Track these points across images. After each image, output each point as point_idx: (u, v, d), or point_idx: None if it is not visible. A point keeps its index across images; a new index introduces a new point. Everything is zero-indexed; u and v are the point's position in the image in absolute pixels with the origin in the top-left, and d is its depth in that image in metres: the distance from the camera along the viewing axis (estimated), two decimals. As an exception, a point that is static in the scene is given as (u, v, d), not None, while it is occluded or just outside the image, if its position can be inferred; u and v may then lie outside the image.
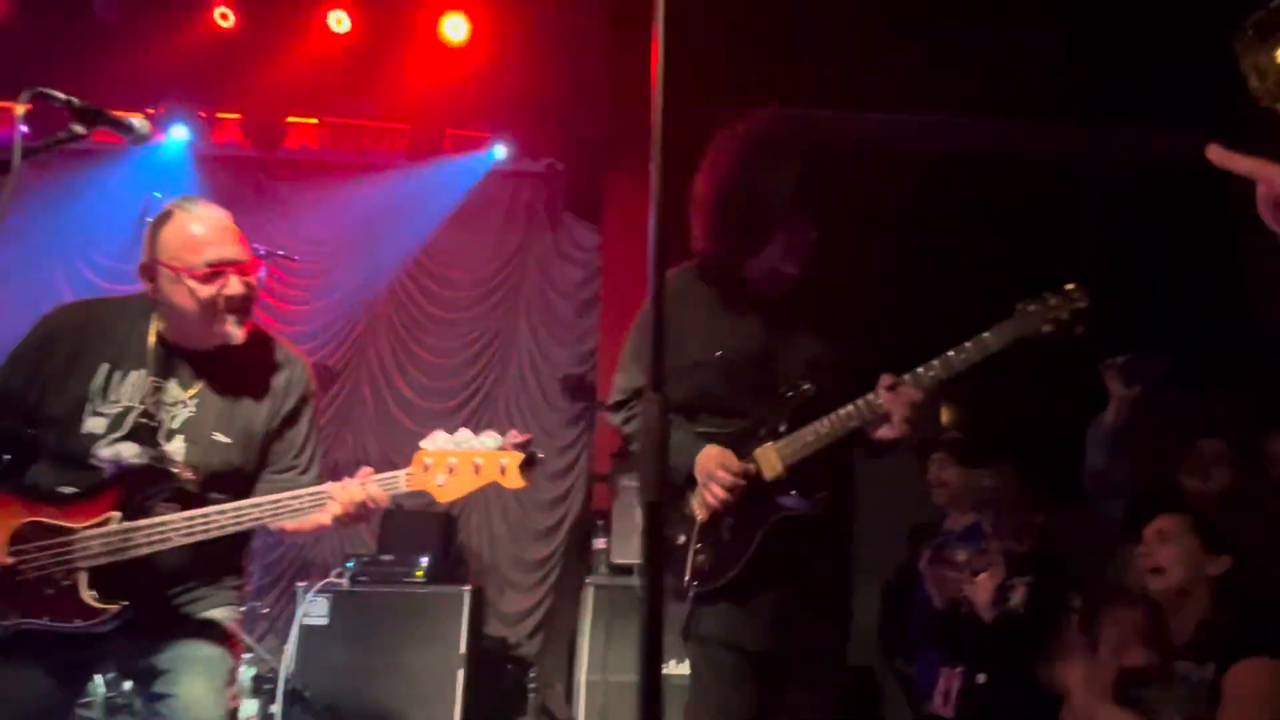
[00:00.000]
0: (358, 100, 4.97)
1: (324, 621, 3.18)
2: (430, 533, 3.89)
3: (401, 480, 1.79)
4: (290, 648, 3.11)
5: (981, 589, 2.46)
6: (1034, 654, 2.29)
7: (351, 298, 5.06)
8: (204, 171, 5.06)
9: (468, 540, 4.60)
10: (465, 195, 5.17)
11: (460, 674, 3.19)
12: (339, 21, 4.78)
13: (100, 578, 1.74)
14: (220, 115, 4.95)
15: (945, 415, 3.81)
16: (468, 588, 3.39)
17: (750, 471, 1.90)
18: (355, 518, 1.79)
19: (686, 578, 1.92)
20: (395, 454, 4.90)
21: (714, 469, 1.89)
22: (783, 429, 1.91)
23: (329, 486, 1.79)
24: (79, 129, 1.56)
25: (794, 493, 1.88)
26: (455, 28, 4.76)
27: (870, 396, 1.85)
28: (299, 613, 3.17)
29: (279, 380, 1.95)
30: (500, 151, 4.95)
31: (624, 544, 3.32)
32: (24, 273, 4.78)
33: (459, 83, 4.84)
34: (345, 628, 3.19)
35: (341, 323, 5.02)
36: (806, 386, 1.92)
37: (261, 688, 3.20)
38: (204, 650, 1.84)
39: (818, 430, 1.88)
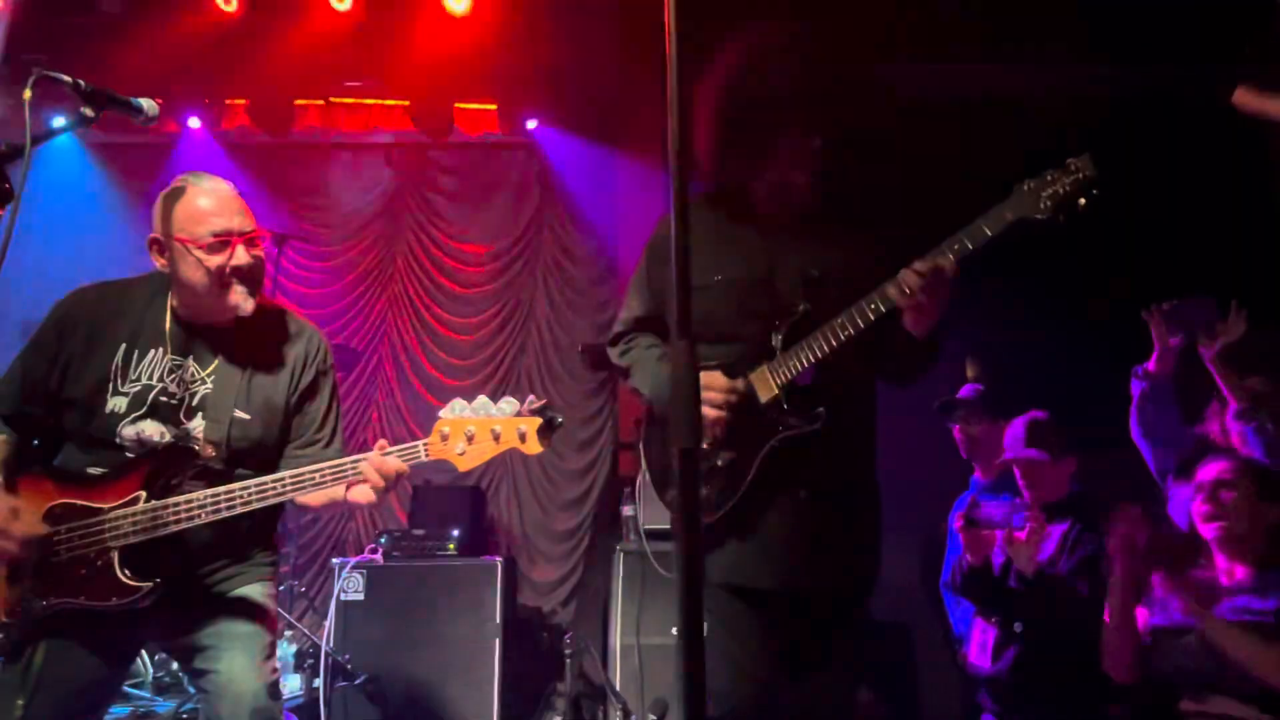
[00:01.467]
0: (364, 79, 4.95)
1: (360, 596, 3.22)
2: (460, 506, 3.92)
3: (421, 450, 1.80)
4: (329, 623, 3.16)
5: (1022, 550, 2.42)
6: (1070, 602, 2.27)
7: (369, 277, 5.07)
8: (215, 157, 5.08)
9: (498, 512, 4.63)
10: (477, 169, 5.16)
11: (497, 643, 3.23)
12: (340, 0, 4.74)
13: (133, 556, 1.78)
14: (229, 101, 4.96)
15: (970, 370, 3.77)
16: (499, 559, 3.42)
17: (741, 390, 1.82)
18: (387, 488, 1.80)
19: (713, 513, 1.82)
20: (422, 431, 4.87)
21: (707, 394, 1.80)
22: (777, 349, 1.83)
23: (348, 460, 1.80)
24: (88, 112, 1.56)
25: (792, 412, 1.79)
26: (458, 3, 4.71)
27: (873, 296, 1.76)
28: (336, 588, 3.22)
29: (295, 353, 1.97)
30: (511, 124, 4.91)
31: (652, 510, 3.32)
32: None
33: (465, 55, 4.79)
34: (381, 602, 3.24)
35: (361, 302, 5.04)
36: (802, 306, 1.83)
37: (304, 663, 3.26)
38: (241, 627, 1.88)
39: (814, 345, 1.80)
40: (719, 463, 1.84)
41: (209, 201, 1.84)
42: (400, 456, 1.80)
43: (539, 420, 1.75)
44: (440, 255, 5.13)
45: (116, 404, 1.86)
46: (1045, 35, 4.05)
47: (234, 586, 1.91)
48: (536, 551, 4.64)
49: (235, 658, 1.84)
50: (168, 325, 1.91)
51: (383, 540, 3.42)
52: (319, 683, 3.11)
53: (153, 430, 1.87)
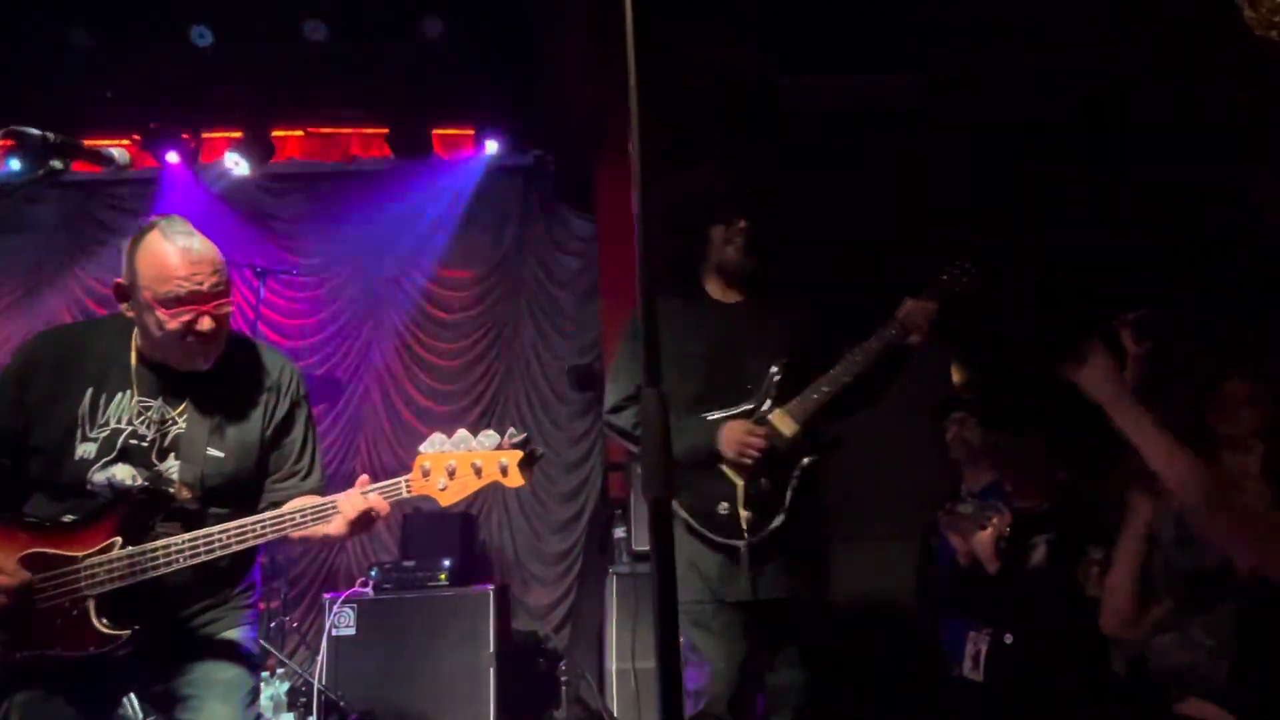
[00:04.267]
0: (340, 108, 4.96)
1: (352, 631, 3.20)
2: (451, 533, 3.90)
3: (403, 487, 1.78)
4: (321, 658, 3.13)
5: (984, 542, 2.48)
6: (1059, 612, 2.28)
7: (353, 305, 5.06)
8: (195, 191, 5.06)
9: (489, 538, 4.62)
10: (458, 194, 5.17)
11: (492, 672, 3.21)
12: (314, 30, 4.75)
13: (109, 603, 1.74)
14: (205, 135, 4.96)
15: (956, 374, 3.79)
16: (491, 586, 3.40)
17: (765, 431, 2.20)
18: (359, 527, 1.78)
19: (745, 538, 2.18)
20: (410, 459, 4.88)
21: (742, 438, 2.19)
22: (784, 396, 2.24)
23: (329, 499, 1.78)
24: (57, 164, 1.55)
25: (810, 444, 2.22)
26: (432, 25, 4.73)
27: (879, 337, 2.23)
28: (328, 623, 3.19)
29: (267, 387, 1.93)
30: (492, 148, 4.92)
31: (643, 532, 3.32)
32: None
33: (441, 81, 4.82)
34: (374, 635, 3.21)
35: (346, 330, 5.02)
36: (787, 361, 2.26)
37: (297, 700, 3.23)
38: (224, 672, 1.85)
39: (823, 387, 2.22)
40: (763, 494, 2.21)
41: (178, 261, 1.76)
42: (382, 493, 1.78)
43: (520, 453, 1.74)
44: (424, 280, 5.12)
45: (86, 450, 1.82)
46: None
47: (215, 630, 1.88)
48: (529, 575, 4.62)
49: (217, 708, 1.81)
50: (134, 366, 1.87)
51: (373, 573, 3.39)
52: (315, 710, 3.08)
53: (125, 474, 1.82)
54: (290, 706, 3.21)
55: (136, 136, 4.91)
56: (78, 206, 5.03)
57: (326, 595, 3.37)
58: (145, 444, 1.84)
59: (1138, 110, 4.13)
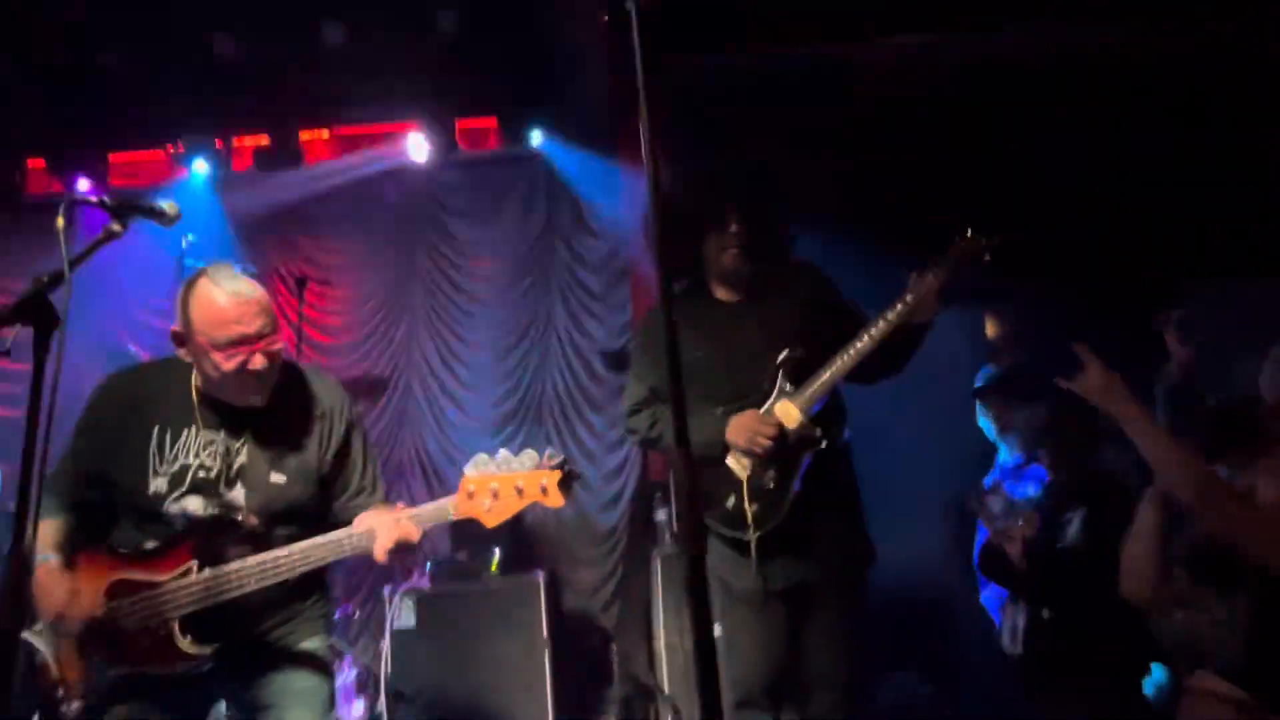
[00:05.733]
0: (365, 107, 5.03)
1: (412, 624, 3.36)
2: (498, 530, 4.02)
3: (448, 510, 1.89)
4: (385, 650, 3.31)
5: (1012, 543, 2.52)
6: (1095, 588, 2.33)
7: (389, 302, 5.17)
8: (226, 198, 5.19)
9: (535, 522, 4.75)
10: (484, 183, 5.23)
11: (546, 656, 3.35)
12: (335, 33, 4.82)
13: (192, 623, 1.89)
14: (236, 142, 5.07)
15: (991, 327, 3.79)
16: (541, 574, 3.53)
17: (773, 422, 2.23)
18: (397, 556, 1.90)
19: (751, 531, 2.23)
20: (452, 449, 5.04)
21: (753, 426, 2.23)
22: (788, 387, 2.27)
23: (378, 525, 1.90)
24: (116, 227, 1.64)
25: (817, 433, 2.25)
26: (448, 20, 4.75)
27: (884, 315, 2.22)
28: (389, 617, 3.35)
29: (320, 414, 2.06)
30: (514, 137, 4.96)
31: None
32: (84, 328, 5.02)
33: (461, 74, 4.86)
34: (433, 627, 3.37)
35: (384, 327, 5.15)
36: (794, 352, 2.28)
37: (364, 688, 3.42)
38: (303, 682, 1.99)
39: (827, 375, 2.24)
40: (769, 486, 2.24)
41: (228, 305, 1.88)
42: (422, 518, 1.89)
43: (559, 473, 1.84)
44: (455, 273, 5.21)
45: (158, 485, 1.96)
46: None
47: (292, 641, 2.02)
48: (576, 557, 4.75)
49: (297, 715, 1.96)
50: (196, 404, 2.00)
51: (429, 566, 3.55)
52: (381, 707, 3.26)
53: (196, 505, 1.96)
54: (359, 693, 3.40)
55: (170, 148, 5.06)
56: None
57: (385, 587, 3.53)
58: (212, 476, 1.97)
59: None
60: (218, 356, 1.89)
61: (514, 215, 5.24)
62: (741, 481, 2.25)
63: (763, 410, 2.27)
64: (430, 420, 5.00)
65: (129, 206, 1.68)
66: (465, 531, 3.83)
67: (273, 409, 2.00)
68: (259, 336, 1.90)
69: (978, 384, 3.26)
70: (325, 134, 5.14)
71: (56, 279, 1.51)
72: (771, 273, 2.42)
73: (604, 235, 5.17)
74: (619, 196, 5.10)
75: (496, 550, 3.64)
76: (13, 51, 4.74)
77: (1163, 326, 2.27)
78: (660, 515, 3.59)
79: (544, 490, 1.83)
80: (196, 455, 1.98)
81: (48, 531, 1.92)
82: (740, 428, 2.24)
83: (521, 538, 4.20)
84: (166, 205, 1.79)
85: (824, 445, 2.23)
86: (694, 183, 2.44)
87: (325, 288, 5.07)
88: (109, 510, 2.03)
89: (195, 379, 2.00)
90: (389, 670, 3.28)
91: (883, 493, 2.52)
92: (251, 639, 1.98)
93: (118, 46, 4.74)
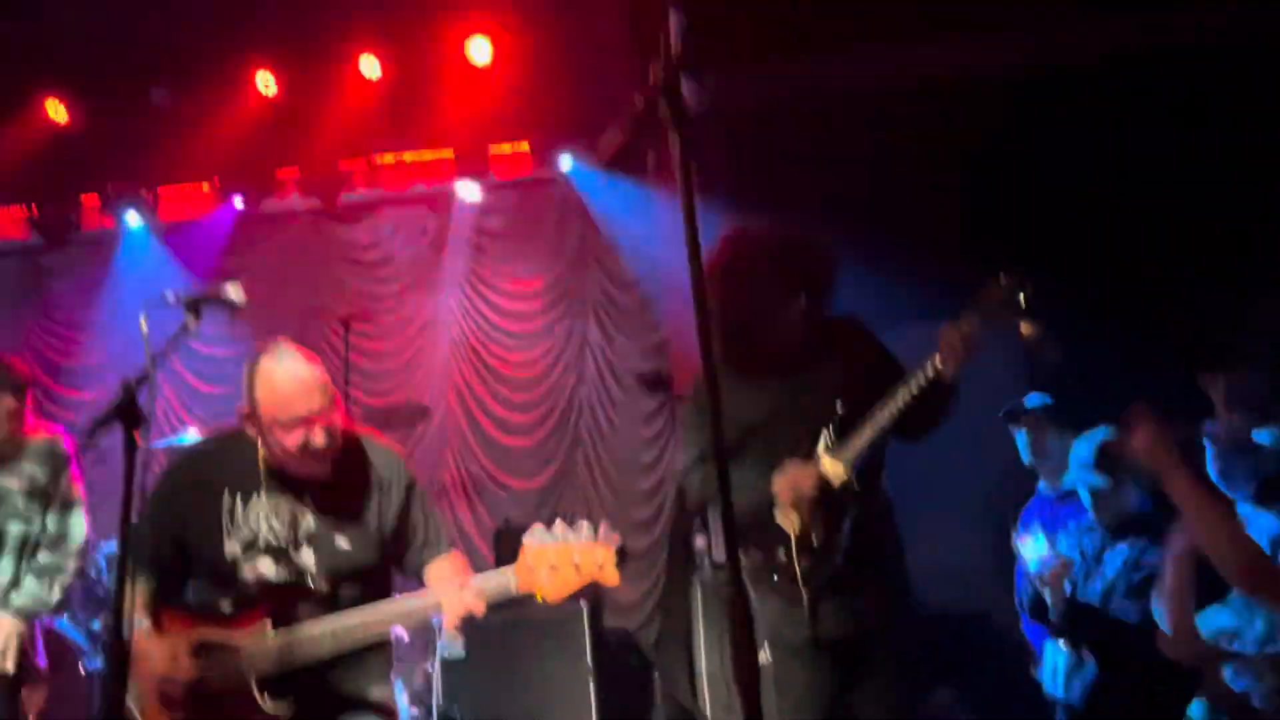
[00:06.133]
0: (400, 137, 5.15)
1: (461, 653, 3.48)
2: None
3: (512, 584, 1.99)
4: (435, 677, 3.44)
5: (1051, 590, 2.55)
6: (1139, 631, 2.36)
7: (429, 327, 5.31)
8: (266, 230, 5.36)
9: (575, 542, 4.85)
10: (519, 207, 5.33)
11: (590, 682, 3.46)
12: (371, 67, 4.94)
13: (269, 681, 2.01)
14: (278, 175, 5.21)
15: (1025, 329, 3.78)
16: (584, 603, 3.63)
17: (818, 478, 2.27)
18: (470, 614, 2.01)
19: (801, 583, 2.30)
20: (495, 467, 5.17)
21: (797, 480, 2.27)
22: (833, 443, 2.30)
23: (446, 599, 2.02)
24: (191, 321, 1.76)
25: (861, 489, 2.27)
26: (479, 49, 4.85)
27: (918, 373, 2.22)
28: (439, 647, 3.48)
29: (378, 482, 2.17)
30: (548, 162, 5.06)
31: (721, 543, 3.48)
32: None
33: (493, 102, 4.95)
34: (480, 654, 3.49)
35: (425, 354, 5.28)
36: (840, 409, 2.30)
37: (416, 711, 3.55)
38: None
39: (868, 430, 2.25)
40: (817, 539, 2.30)
41: (289, 387, 2.01)
42: (494, 590, 2.01)
43: (613, 553, 1.93)
44: (492, 295, 5.33)
45: (232, 549, 2.10)
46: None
47: (362, 690, 2.14)
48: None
49: None
50: (263, 473, 2.13)
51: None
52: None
53: (268, 568, 2.10)
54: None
55: (215, 181, 5.23)
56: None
57: (435, 617, 3.65)
58: (281, 541, 2.10)
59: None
60: (280, 434, 2.02)
61: (549, 237, 5.34)
62: (790, 536, 2.30)
63: (809, 466, 2.31)
64: (472, 440, 5.12)
65: (201, 300, 1.79)
66: (507, 555, 3.92)
67: (335, 478, 2.12)
68: (319, 414, 2.02)
69: (1023, 406, 3.24)
70: (365, 164, 5.25)
71: (142, 379, 1.63)
72: (821, 329, 2.45)
73: (637, 254, 5.25)
74: (650, 219, 5.19)
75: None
76: (68, 88, 4.94)
77: (1209, 388, 2.26)
78: (699, 543, 3.67)
79: (600, 567, 1.92)
80: (266, 521, 2.11)
81: (136, 596, 2.05)
82: (786, 482, 2.29)
83: None
84: (233, 292, 1.91)
85: (867, 501, 2.28)
86: (760, 261, 2.41)
87: (369, 318, 5.21)
88: (184, 572, 2.18)
89: (262, 450, 2.12)
90: (440, 697, 3.41)
91: (921, 500, 2.53)
92: (326, 691, 2.09)
93: (166, 82, 4.92)
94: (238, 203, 5.05)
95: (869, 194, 4.27)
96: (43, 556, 2.74)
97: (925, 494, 2.97)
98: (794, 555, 2.30)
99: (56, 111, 4.92)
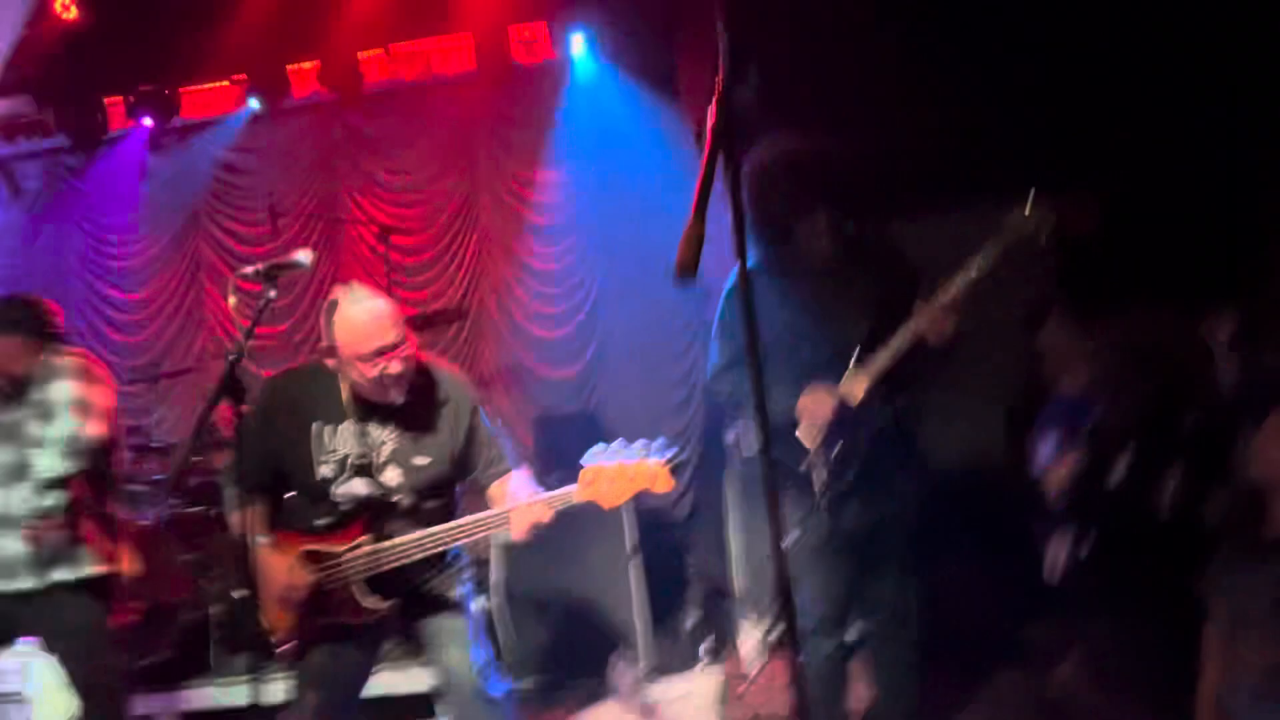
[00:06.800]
0: (419, 23, 5.02)
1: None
2: (578, 433, 4.40)
3: (573, 496, 2.22)
4: (494, 561, 3.81)
5: (1052, 482, 2.76)
6: (1139, 526, 2.59)
7: (457, 219, 5.36)
8: (292, 125, 5.33)
9: (609, 427, 5.12)
10: (538, 95, 5.23)
11: (632, 565, 3.81)
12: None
13: (370, 582, 2.30)
14: (294, 67, 5.13)
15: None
16: (628, 497, 3.93)
17: (838, 395, 2.49)
18: (531, 534, 2.27)
19: (819, 493, 2.53)
20: (528, 360, 5.36)
21: (813, 404, 2.50)
22: (858, 363, 2.50)
23: (515, 511, 2.26)
24: (271, 292, 1.90)
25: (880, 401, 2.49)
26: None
27: (908, 324, 2.43)
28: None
29: (448, 404, 2.40)
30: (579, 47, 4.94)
31: (751, 438, 3.71)
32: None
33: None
34: (534, 539, 3.82)
35: (456, 245, 5.35)
36: (865, 327, 2.49)
37: (476, 589, 3.94)
38: (454, 623, 2.44)
39: (885, 354, 2.46)
40: (836, 455, 2.53)
41: (366, 325, 2.20)
42: (556, 502, 2.24)
43: (665, 464, 2.15)
44: (518, 186, 5.33)
45: (325, 471, 2.35)
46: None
47: (443, 592, 2.46)
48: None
49: (453, 652, 2.41)
50: (345, 402, 2.35)
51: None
52: (493, 604, 3.80)
53: (358, 486, 2.36)
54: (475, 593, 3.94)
55: (241, 76, 5.17)
56: (199, 150, 5.39)
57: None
58: (367, 461, 2.34)
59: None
60: (361, 366, 2.22)
61: (574, 126, 5.26)
62: (809, 450, 2.52)
63: (829, 390, 2.49)
64: (505, 333, 5.29)
65: (276, 269, 1.93)
66: (548, 443, 4.18)
67: (410, 403, 2.34)
68: (394, 346, 2.22)
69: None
70: (382, 52, 5.14)
71: (239, 356, 1.79)
72: (853, 245, 2.59)
73: (657, 145, 5.18)
74: (678, 100, 5.09)
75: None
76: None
77: (1210, 334, 2.34)
78: (729, 437, 3.90)
79: (654, 479, 2.15)
80: (353, 444, 2.34)
81: (253, 517, 2.32)
82: (807, 403, 2.49)
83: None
84: (303, 256, 2.04)
85: (879, 424, 2.48)
86: (784, 172, 2.55)
87: (398, 202, 5.27)
88: (278, 492, 2.44)
89: (343, 382, 2.32)
90: (502, 575, 3.80)
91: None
92: (415, 592, 2.40)
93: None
94: (254, 103, 5.01)
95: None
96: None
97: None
98: (813, 467, 2.53)
99: (66, 9, 4.83)
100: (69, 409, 2.65)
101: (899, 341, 2.44)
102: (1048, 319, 3.26)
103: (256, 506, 2.36)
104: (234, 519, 2.37)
